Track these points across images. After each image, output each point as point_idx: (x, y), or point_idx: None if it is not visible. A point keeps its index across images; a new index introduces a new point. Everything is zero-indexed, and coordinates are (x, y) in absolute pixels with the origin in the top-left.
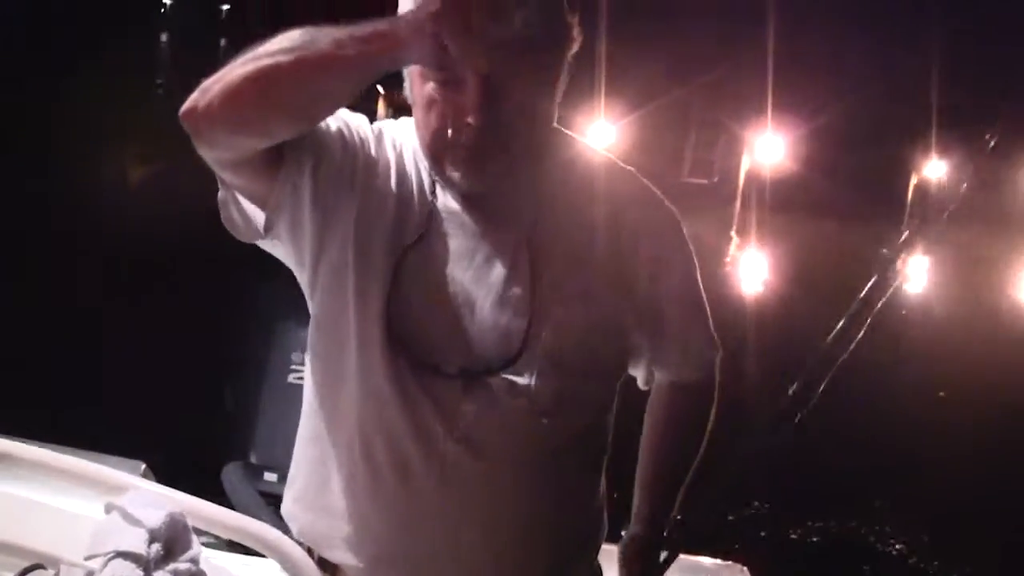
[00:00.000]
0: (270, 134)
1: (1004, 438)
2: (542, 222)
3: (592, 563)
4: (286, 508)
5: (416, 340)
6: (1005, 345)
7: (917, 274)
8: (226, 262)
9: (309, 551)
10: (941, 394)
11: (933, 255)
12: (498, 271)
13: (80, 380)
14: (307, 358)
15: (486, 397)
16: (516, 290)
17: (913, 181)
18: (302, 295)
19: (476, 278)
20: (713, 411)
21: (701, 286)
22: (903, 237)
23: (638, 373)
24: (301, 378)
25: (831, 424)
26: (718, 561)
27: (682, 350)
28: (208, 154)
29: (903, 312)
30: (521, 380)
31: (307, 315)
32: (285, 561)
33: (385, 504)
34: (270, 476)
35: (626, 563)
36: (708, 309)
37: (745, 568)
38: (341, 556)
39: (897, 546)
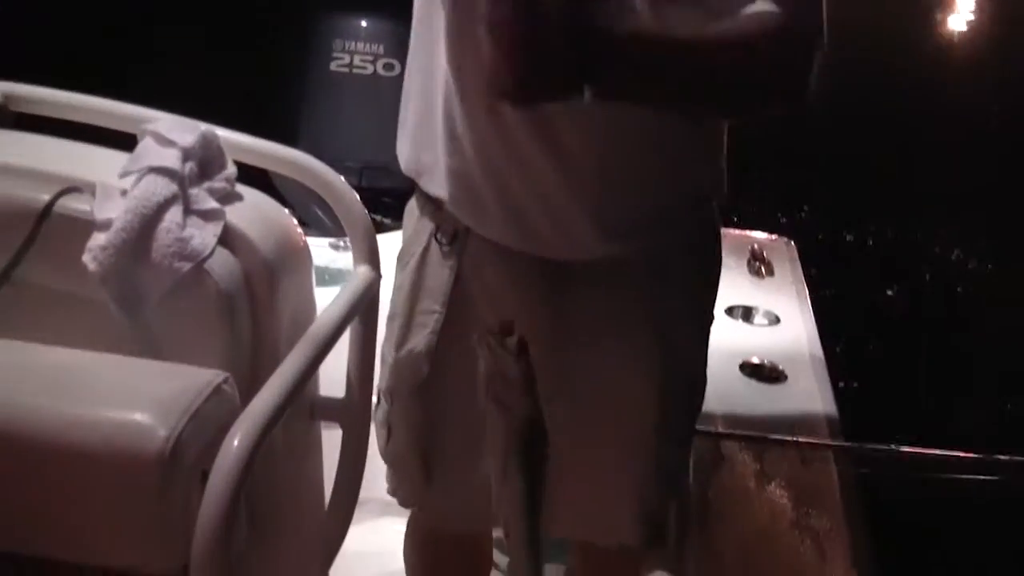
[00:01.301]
0: None
1: None
2: None
3: (705, 220)
4: (398, 145)
5: None
6: None
7: None
8: None
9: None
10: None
11: None
12: None
13: (115, 68)
14: None
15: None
16: None
17: None
18: None
19: None
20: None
21: None
22: None
23: None
24: (344, 66)
25: (884, 134)
26: (764, 234)
27: None
28: None
29: None
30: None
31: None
32: (322, 185)
33: (480, 141)
34: None
35: None
36: None
37: (792, 242)
38: (438, 189)
39: (956, 252)
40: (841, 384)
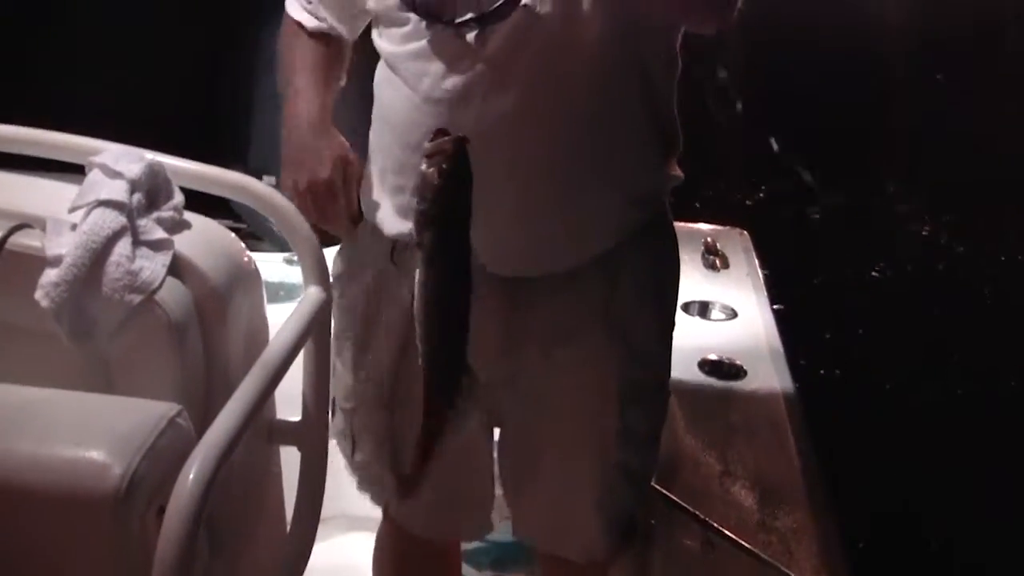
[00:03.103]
0: None
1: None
2: None
3: (654, 220)
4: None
5: None
6: None
7: None
8: None
9: None
10: (938, 77)
11: None
12: None
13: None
14: None
15: (501, 40)
16: None
17: None
18: None
19: None
20: None
21: None
22: None
23: None
24: None
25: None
26: (716, 227)
27: None
28: None
29: None
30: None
31: None
32: (267, 207)
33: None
34: (268, 180)
35: None
36: None
37: (745, 232)
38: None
39: (925, 229)
40: (809, 372)
